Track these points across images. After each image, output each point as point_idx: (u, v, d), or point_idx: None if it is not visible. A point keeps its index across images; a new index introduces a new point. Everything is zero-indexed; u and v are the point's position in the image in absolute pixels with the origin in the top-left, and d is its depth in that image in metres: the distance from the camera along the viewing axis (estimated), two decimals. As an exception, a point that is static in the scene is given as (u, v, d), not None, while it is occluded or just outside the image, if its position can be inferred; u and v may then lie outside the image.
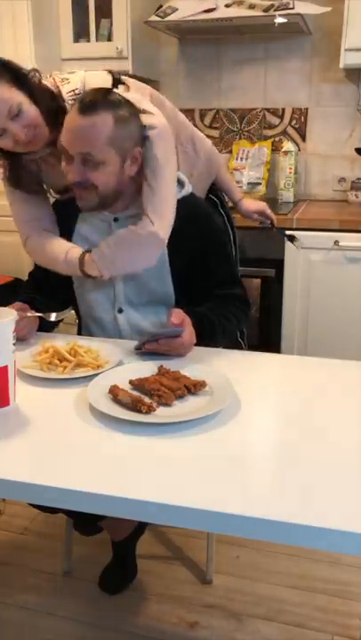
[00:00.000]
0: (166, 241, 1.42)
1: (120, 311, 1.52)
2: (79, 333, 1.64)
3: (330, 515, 0.82)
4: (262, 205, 2.03)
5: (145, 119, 1.40)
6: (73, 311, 1.64)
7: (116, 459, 0.97)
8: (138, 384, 1.17)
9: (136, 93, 1.47)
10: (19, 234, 1.57)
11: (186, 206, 1.48)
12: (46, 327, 1.53)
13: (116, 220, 1.48)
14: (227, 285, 1.54)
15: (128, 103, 1.37)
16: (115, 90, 1.41)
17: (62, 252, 1.48)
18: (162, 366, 1.24)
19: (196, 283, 1.50)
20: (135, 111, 1.37)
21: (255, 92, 2.99)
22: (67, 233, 1.54)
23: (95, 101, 1.32)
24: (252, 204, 2.02)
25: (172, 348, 1.31)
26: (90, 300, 1.55)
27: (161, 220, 1.41)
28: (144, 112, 1.40)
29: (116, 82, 1.47)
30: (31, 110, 1.40)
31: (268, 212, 2.03)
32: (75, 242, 1.51)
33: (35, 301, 1.51)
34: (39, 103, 1.40)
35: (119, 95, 1.38)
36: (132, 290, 1.51)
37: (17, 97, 1.39)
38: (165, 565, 1.86)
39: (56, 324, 1.59)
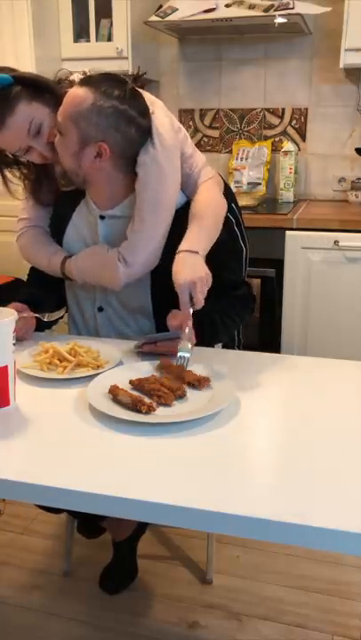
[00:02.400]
0: (124, 282, 1.42)
1: (100, 309, 1.53)
2: (69, 326, 1.66)
3: (330, 515, 0.82)
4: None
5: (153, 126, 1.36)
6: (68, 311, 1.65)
7: (116, 459, 0.97)
8: (137, 384, 1.17)
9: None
10: (17, 226, 1.60)
11: (177, 217, 1.43)
12: (44, 326, 1.53)
13: (102, 217, 1.48)
14: (226, 290, 1.52)
15: (129, 101, 1.31)
16: (130, 84, 1.35)
17: (47, 255, 1.53)
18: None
19: None
20: (129, 114, 1.31)
21: (255, 92, 2.99)
22: (64, 221, 1.55)
23: (92, 79, 1.33)
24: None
25: (171, 351, 1.31)
26: (75, 293, 1.57)
27: (128, 266, 1.40)
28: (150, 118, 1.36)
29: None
30: (53, 124, 1.37)
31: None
32: (69, 231, 1.54)
33: (34, 299, 1.51)
34: None
35: (129, 91, 1.32)
36: (111, 292, 1.51)
37: (37, 113, 1.37)
38: (165, 565, 1.86)
39: (54, 322, 1.59)
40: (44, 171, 1.51)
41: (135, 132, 1.33)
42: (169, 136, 1.39)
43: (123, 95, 1.31)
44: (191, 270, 1.28)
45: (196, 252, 1.32)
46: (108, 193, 1.44)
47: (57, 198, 1.56)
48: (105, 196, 1.46)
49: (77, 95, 1.30)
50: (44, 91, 1.39)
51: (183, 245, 1.34)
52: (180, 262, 1.31)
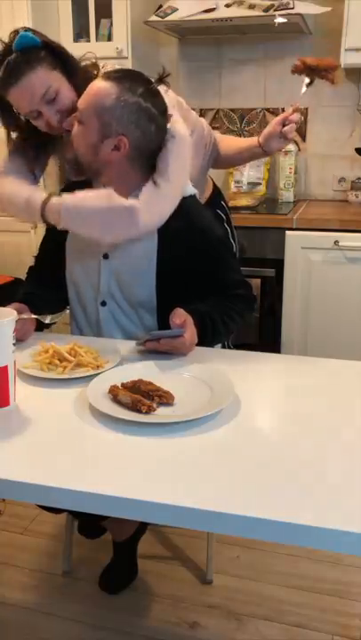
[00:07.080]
0: (141, 231, 1.38)
1: (103, 304, 1.52)
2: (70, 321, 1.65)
3: (330, 515, 0.82)
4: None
5: (170, 124, 1.40)
6: (68, 312, 1.64)
7: (116, 459, 0.97)
8: (132, 386, 1.16)
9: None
10: None
11: (184, 208, 1.44)
12: (44, 325, 1.53)
13: None
14: (229, 289, 1.52)
15: (151, 99, 1.34)
16: (155, 83, 1.37)
17: (27, 192, 1.42)
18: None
19: (191, 286, 1.46)
20: (151, 112, 1.34)
21: (255, 92, 2.99)
22: None
23: (116, 74, 1.35)
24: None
25: (174, 348, 1.31)
26: (77, 287, 1.55)
27: (147, 211, 1.36)
28: (168, 118, 1.40)
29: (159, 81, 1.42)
30: (69, 97, 1.41)
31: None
32: None
33: (34, 299, 1.51)
34: (81, 90, 1.37)
35: (152, 90, 1.35)
36: (115, 286, 1.49)
37: (56, 81, 1.40)
38: (165, 565, 1.86)
39: (53, 322, 1.59)
40: (44, 145, 1.51)
41: (154, 130, 1.36)
42: (186, 135, 1.44)
43: (146, 93, 1.34)
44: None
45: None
46: (115, 187, 1.42)
47: (65, 189, 1.52)
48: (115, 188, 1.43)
49: (103, 88, 1.33)
50: (67, 64, 1.42)
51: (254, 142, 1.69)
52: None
